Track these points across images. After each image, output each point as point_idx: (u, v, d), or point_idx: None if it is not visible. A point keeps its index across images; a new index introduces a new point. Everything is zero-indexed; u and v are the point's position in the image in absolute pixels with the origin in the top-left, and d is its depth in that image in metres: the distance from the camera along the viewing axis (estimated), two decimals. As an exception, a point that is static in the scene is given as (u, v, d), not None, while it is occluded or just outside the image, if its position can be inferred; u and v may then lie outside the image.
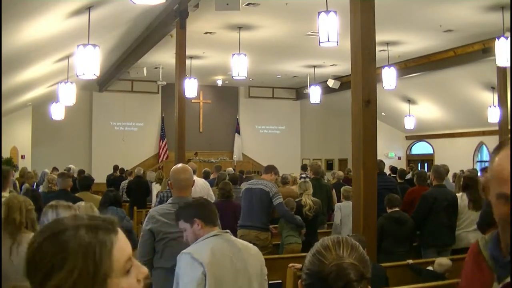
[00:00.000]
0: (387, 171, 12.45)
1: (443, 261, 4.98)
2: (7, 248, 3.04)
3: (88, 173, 11.29)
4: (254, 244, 5.90)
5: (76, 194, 6.14)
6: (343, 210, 6.74)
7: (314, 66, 15.54)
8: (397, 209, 5.79)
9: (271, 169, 6.44)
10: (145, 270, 1.11)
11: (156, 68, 15.46)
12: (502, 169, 1.22)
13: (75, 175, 10.72)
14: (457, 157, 16.40)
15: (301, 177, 10.20)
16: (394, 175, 10.34)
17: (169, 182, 3.55)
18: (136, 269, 1.09)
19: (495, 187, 1.25)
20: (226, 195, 6.49)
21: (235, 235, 5.94)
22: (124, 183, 11.75)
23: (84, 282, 0.99)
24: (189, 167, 3.70)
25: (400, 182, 8.57)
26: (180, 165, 3.72)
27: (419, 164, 19.46)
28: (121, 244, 1.06)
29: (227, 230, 2.82)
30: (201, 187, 7.75)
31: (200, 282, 2.55)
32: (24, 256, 1.05)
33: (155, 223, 3.32)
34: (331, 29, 7.43)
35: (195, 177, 7.82)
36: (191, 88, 13.17)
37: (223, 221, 6.25)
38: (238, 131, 20.32)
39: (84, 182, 6.80)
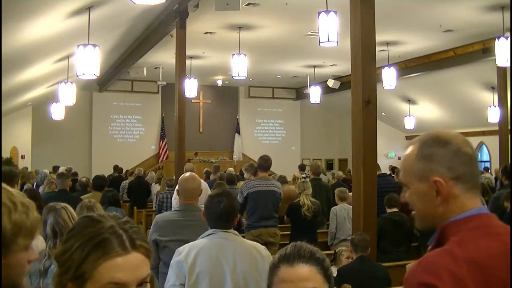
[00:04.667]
0: (386, 170, 12.52)
1: None
2: None
3: (103, 174, 11.23)
4: (270, 241, 6.00)
5: (89, 194, 6.19)
6: (339, 213, 6.65)
7: (314, 66, 15.52)
8: (395, 209, 5.77)
9: (269, 166, 6.47)
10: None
11: (156, 68, 15.45)
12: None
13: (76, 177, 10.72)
14: (457, 157, 16.35)
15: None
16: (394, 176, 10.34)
17: (177, 189, 3.55)
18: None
19: None
20: None
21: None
22: (124, 183, 11.75)
23: None
24: (197, 176, 3.67)
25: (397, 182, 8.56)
26: (188, 173, 3.69)
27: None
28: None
29: (229, 230, 2.78)
30: (205, 188, 7.77)
31: (179, 277, 2.62)
32: None
33: (157, 231, 3.34)
34: (331, 29, 7.42)
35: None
36: (191, 88, 13.17)
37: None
38: (238, 131, 20.31)
39: (98, 182, 6.83)
